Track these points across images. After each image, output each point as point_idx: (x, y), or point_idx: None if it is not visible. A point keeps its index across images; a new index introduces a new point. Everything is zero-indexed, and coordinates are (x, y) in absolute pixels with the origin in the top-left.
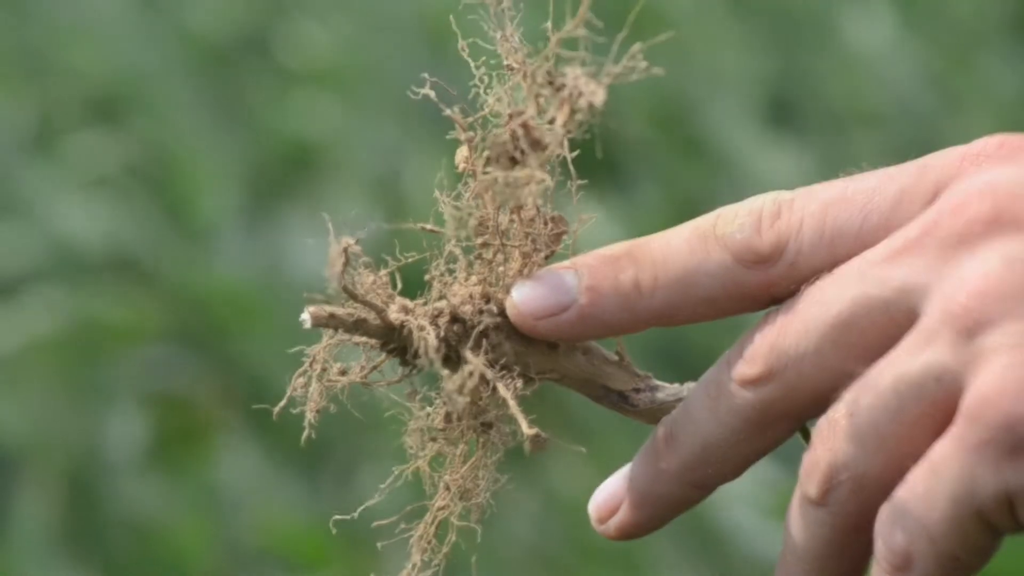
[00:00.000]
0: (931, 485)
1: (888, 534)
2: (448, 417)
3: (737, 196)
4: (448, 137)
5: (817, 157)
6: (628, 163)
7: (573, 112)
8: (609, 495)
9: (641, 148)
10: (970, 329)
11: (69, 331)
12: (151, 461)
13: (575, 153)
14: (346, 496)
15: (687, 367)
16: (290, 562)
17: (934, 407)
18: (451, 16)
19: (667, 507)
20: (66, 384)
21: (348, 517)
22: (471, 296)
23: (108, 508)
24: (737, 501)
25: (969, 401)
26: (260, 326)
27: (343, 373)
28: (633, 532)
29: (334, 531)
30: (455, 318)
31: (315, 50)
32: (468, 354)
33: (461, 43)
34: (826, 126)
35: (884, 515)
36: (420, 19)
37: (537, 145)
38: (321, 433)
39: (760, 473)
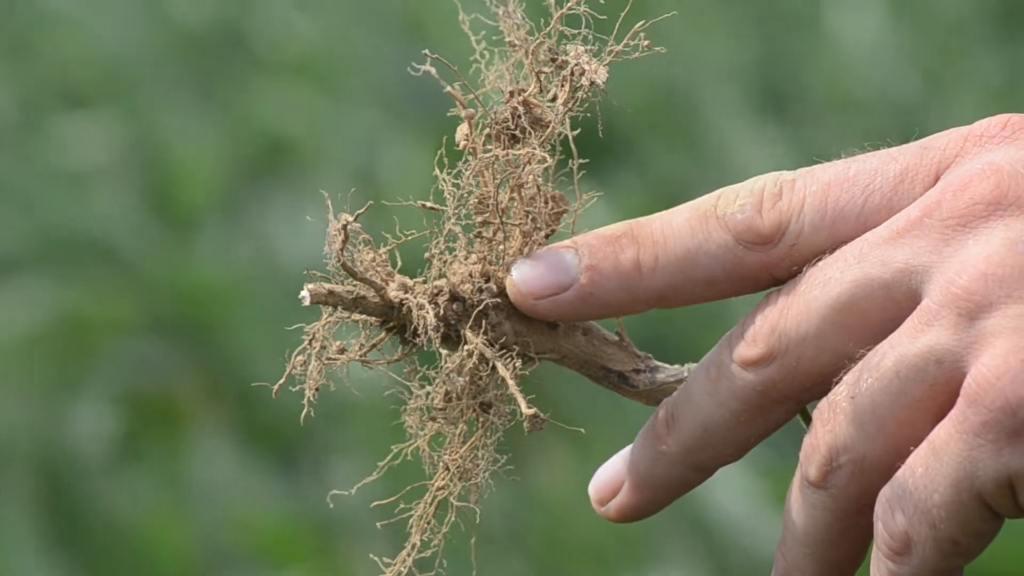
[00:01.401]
0: (931, 468)
1: (887, 518)
2: (447, 396)
3: (723, 183)
4: (448, 114)
5: (804, 145)
6: (615, 150)
7: (574, 90)
8: (610, 477)
9: (629, 135)
10: (972, 312)
11: (48, 325)
12: (127, 455)
13: (576, 132)
14: (321, 491)
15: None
16: (265, 556)
17: (935, 389)
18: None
19: (668, 489)
20: (44, 378)
21: (346, 492)
22: (471, 275)
23: (84, 502)
24: (729, 487)
25: (970, 384)
26: (239, 319)
27: (342, 351)
28: (633, 514)
29: (331, 505)
30: (455, 297)
31: (293, 40)
32: (467, 333)
33: (462, 16)
34: (813, 114)
35: (883, 498)
36: (397, 7)
37: (538, 123)
38: (295, 428)
39: (753, 458)
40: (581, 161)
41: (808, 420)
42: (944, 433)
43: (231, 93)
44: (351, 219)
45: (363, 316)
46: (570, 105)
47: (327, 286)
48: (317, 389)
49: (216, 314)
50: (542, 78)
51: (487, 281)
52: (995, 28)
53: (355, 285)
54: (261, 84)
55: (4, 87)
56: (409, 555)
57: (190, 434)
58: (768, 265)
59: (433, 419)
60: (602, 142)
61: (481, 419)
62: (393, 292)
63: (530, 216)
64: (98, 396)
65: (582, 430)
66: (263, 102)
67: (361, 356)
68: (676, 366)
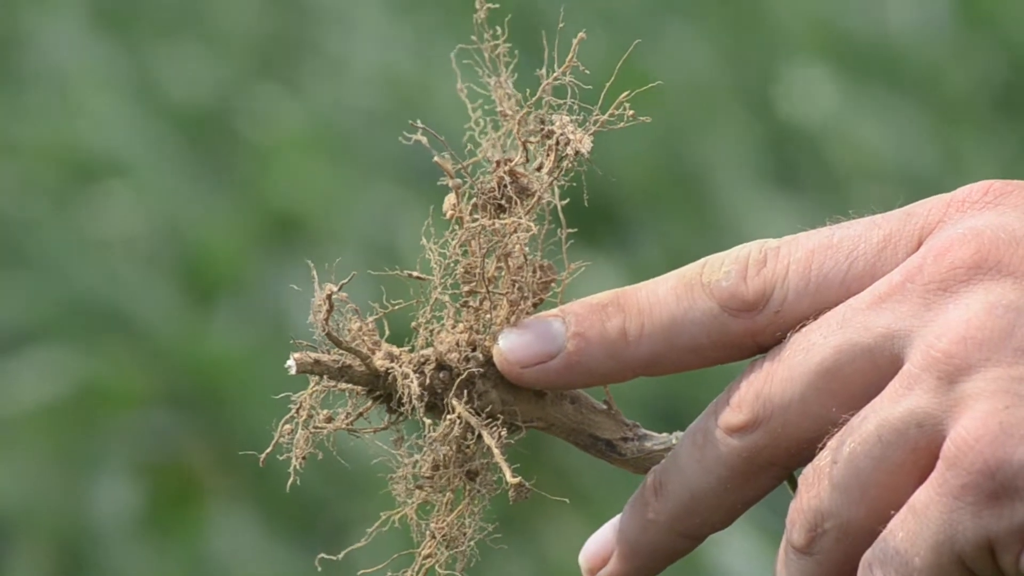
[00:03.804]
0: (912, 531)
1: None
2: (435, 465)
3: None
4: (439, 183)
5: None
6: (629, 220)
7: (560, 159)
8: (599, 546)
9: (642, 205)
10: (952, 375)
11: (67, 395)
12: (144, 528)
13: (573, 209)
14: (338, 562)
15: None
16: None
17: (916, 453)
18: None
19: (657, 557)
20: (61, 449)
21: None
22: (458, 344)
23: (102, 573)
24: (741, 554)
25: (949, 446)
26: (255, 392)
27: (329, 420)
28: None
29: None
30: (441, 366)
31: (291, 119)
32: (453, 402)
33: (459, 85)
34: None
35: (866, 562)
36: (390, 83)
37: (524, 192)
38: (312, 498)
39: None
40: (574, 232)
41: (794, 486)
42: (925, 496)
43: (245, 170)
44: (335, 289)
45: (349, 385)
46: (556, 174)
47: (313, 355)
48: (304, 457)
49: (232, 387)
50: (529, 147)
51: (474, 350)
52: (994, 117)
53: (341, 354)
54: (267, 163)
55: (21, 162)
56: None
57: (207, 506)
58: (753, 332)
59: (420, 487)
60: (616, 212)
61: (468, 487)
62: (379, 361)
63: (517, 285)
64: (116, 467)
65: (566, 500)
66: (274, 181)
67: (348, 425)
68: (664, 434)
